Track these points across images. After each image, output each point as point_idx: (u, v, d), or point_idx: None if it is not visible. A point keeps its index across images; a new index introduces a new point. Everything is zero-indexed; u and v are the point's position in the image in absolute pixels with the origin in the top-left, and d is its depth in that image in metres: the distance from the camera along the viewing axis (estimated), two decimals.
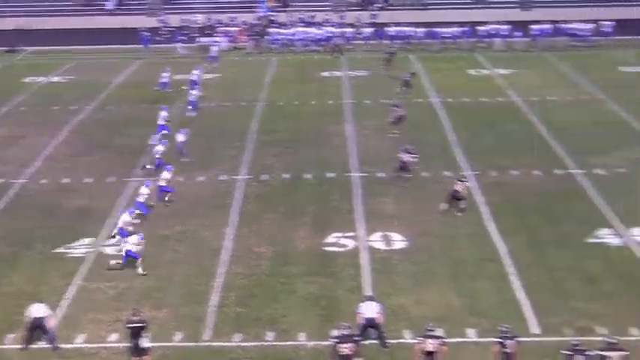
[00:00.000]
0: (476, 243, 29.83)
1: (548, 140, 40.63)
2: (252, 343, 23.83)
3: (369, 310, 23.41)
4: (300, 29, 66.05)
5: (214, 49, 60.47)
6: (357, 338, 22.12)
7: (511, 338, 21.35)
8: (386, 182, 35.57)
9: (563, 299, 25.70)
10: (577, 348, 20.78)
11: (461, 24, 65.06)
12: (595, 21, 64.86)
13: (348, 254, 29.08)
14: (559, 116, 44.64)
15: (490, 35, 64.46)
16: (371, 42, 64.25)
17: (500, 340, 21.38)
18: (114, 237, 30.25)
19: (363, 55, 61.63)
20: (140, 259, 28.12)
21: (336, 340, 21.90)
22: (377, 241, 30.13)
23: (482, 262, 28.37)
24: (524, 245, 29.50)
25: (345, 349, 21.55)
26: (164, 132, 40.22)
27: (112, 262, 28.59)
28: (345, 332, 21.97)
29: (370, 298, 24.05)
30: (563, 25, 64.26)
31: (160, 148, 37.61)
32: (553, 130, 41.93)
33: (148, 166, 37.08)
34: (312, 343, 23.72)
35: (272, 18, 69.50)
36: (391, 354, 23.12)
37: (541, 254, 28.78)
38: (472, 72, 55.67)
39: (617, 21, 65.24)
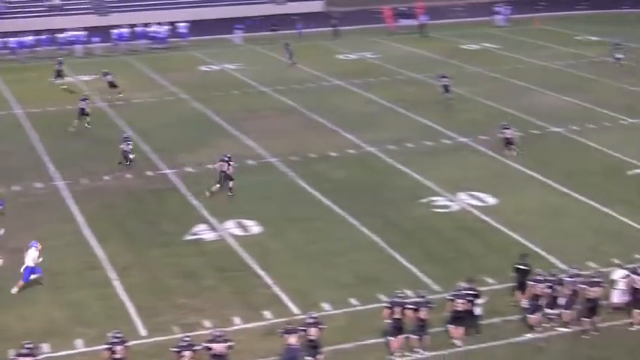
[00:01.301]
0: (75, 252, 29.39)
1: (137, 142, 40.99)
2: None
3: None
4: None
5: None
6: None
7: (120, 343, 21.31)
8: None
9: (168, 298, 26.11)
10: (184, 344, 21.17)
11: (38, 32, 63.55)
12: (171, 23, 66.38)
13: None
14: (145, 118, 45.24)
15: (70, 42, 63.59)
16: None
17: (108, 346, 21.26)
18: None
19: None
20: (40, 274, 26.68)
21: None
22: None
23: (84, 270, 28.02)
24: (123, 249, 29.56)
25: None
26: None
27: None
28: None
29: None
30: (142, 29, 65.04)
31: None
32: (141, 133, 42.41)
33: None
34: None
35: None
36: None
37: (141, 256, 28.99)
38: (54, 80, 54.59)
39: (191, 22, 67.41)
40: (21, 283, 26.48)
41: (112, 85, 49.54)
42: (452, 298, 23.39)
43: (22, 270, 26.60)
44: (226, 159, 34.25)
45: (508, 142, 38.30)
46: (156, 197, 34.34)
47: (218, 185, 34.00)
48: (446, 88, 47.53)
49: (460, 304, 23.21)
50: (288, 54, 57.93)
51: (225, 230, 31.04)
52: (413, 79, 53.12)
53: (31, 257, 26.65)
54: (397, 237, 30.14)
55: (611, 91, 49.14)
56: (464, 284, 23.80)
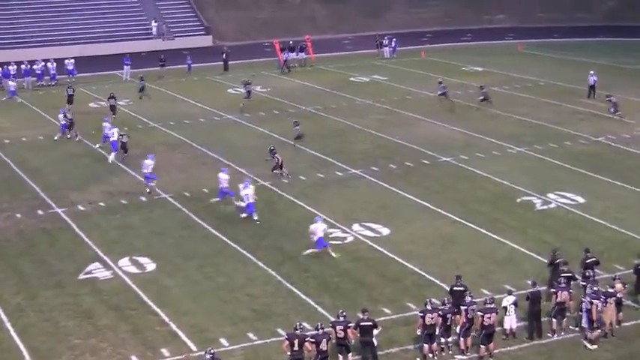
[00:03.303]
0: None
1: (27, 181, 40.28)
2: None
3: None
4: None
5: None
6: None
7: None
8: None
9: (63, 339, 25.62)
10: None
11: None
12: (58, 59, 65.44)
13: None
14: (35, 156, 44.49)
15: None
16: None
17: None
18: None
19: None
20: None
21: None
22: None
23: None
24: (15, 290, 28.91)
25: None
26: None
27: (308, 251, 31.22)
28: None
29: None
30: (28, 66, 63.71)
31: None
32: (30, 171, 41.67)
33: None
34: None
35: None
36: None
37: (34, 297, 28.40)
38: None
39: (78, 58, 66.85)
40: (315, 250, 31.16)
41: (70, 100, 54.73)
42: (332, 325, 23.72)
43: (314, 240, 31.09)
44: (274, 150, 40.42)
45: (298, 137, 45.76)
46: (47, 236, 33.75)
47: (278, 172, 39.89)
48: (248, 94, 54.54)
49: (339, 331, 23.44)
50: (140, 87, 57.66)
51: (120, 268, 30.66)
52: (304, 112, 53.47)
53: (321, 229, 31.28)
54: (293, 270, 30.26)
55: (499, 120, 50.41)
56: (361, 315, 24.04)
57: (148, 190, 38.34)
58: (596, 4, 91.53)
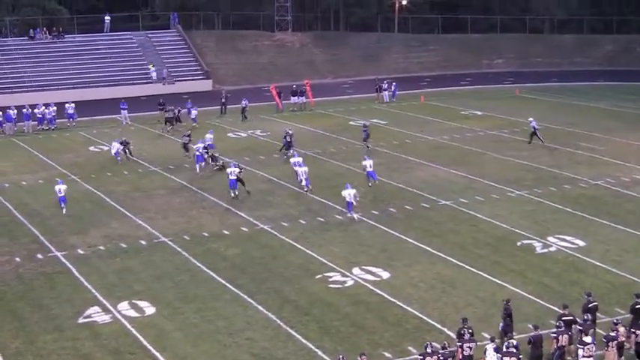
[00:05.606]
0: None
1: (26, 225, 40.27)
2: None
3: None
4: None
5: None
6: None
7: None
8: None
9: None
10: None
11: None
12: (58, 103, 65.78)
13: None
14: (35, 200, 44.49)
15: None
16: None
17: None
18: None
19: None
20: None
21: None
22: None
23: None
24: (13, 335, 28.75)
25: None
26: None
27: None
28: None
29: None
30: (29, 110, 64.06)
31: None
32: (30, 215, 41.66)
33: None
34: None
35: None
36: None
37: (33, 342, 28.24)
38: None
39: (77, 102, 67.21)
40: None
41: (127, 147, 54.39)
42: None
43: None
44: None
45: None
46: (46, 280, 33.63)
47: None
48: (176, 120, 62.82)
49: None
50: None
51: (119, 312, 30.54)
52: (303, 156, 53.43)
53: (350, 193, 40.02)
54: (293, 314, 30.12)
55: (498, 164, 50.50)
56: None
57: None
58: (594, 48, 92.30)
